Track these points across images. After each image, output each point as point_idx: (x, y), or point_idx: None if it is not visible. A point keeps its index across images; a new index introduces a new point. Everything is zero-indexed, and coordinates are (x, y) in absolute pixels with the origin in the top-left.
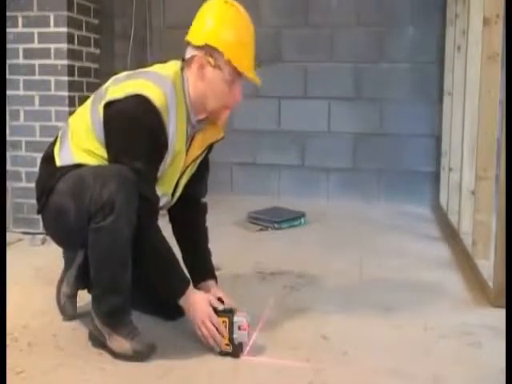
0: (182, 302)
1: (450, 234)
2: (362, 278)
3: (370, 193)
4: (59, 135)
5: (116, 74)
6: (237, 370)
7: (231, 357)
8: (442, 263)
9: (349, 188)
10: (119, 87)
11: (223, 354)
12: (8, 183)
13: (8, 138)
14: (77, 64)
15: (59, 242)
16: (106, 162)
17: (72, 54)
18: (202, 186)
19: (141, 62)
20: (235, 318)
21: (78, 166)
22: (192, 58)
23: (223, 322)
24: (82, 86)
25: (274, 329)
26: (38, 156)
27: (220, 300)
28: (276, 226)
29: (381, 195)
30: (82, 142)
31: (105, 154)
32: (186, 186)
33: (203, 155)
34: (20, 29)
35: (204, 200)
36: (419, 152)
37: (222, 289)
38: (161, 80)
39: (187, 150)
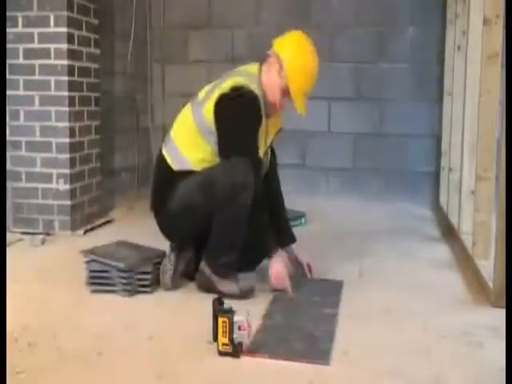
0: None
1: (450, 234)
2: (362, 278)
3: (369, 193)
4: (163, 145)
5: (115, 73)
6: (237, 369)
7: (231, 357)
8: (442, 263)
9: (349, 188)
10: (224, 86)
11: (223, 354)
12: (8, 183)
13: (8, 138)
14: (77, 64)
15: (178, 236)
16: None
17: (72, 54)
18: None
19: (141, 62)
20: (235, 318)
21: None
22: (268, 55)
23: (223, 322)
24: (82, 85)
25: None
26: (38, 156)
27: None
28: None
29: (381, 195)
30: (193, 151)
31: (210, 151)
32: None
33: (274, 137)
34: (20, 29)
35: (274, 168)
36: (419, 152)
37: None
38: (251, 77)
39: (265, 130)
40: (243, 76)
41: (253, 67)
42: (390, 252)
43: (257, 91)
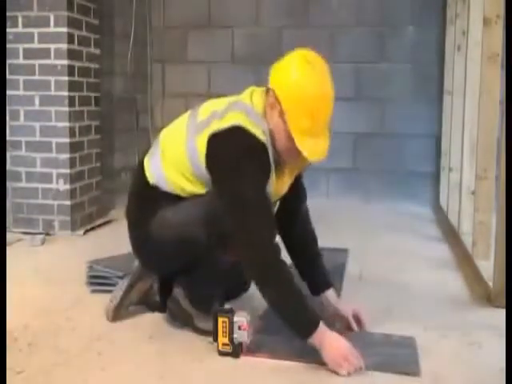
0: (311, 340)
1: (450, 234)
2: (362, 278)
3: (370, 193)
4: (150, 151)
5: (115, 73)
6: (237, 369)
7: (231, 357)
8: (442, 263)
9: (349, 188)
10: (222, 121)
11: (223, 354)
12: (8, 183)
13: (8, 138)
14: (77, 64)
15: (160, 267)
16: (198, 189)
17: (72, 54)
18: (299, 193)
19: (141, 62)
20: (235, 318)
21: (171, 196)
22: (268, 90)
23: (223, 322)
24: (82, 85)
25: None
26: (38, 156)
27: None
28: None
29: (381, 195)
30: (175, 168)
31: (196, 183)
32: (285, 202)
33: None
34: (20, 29)
35: (305, 205)
36: (419, 152)
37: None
38: (257, 118)
39: (278, 178)
40: (246, 115)
41: (258, 103)
42: (390, 252)
43: (262, 137)
